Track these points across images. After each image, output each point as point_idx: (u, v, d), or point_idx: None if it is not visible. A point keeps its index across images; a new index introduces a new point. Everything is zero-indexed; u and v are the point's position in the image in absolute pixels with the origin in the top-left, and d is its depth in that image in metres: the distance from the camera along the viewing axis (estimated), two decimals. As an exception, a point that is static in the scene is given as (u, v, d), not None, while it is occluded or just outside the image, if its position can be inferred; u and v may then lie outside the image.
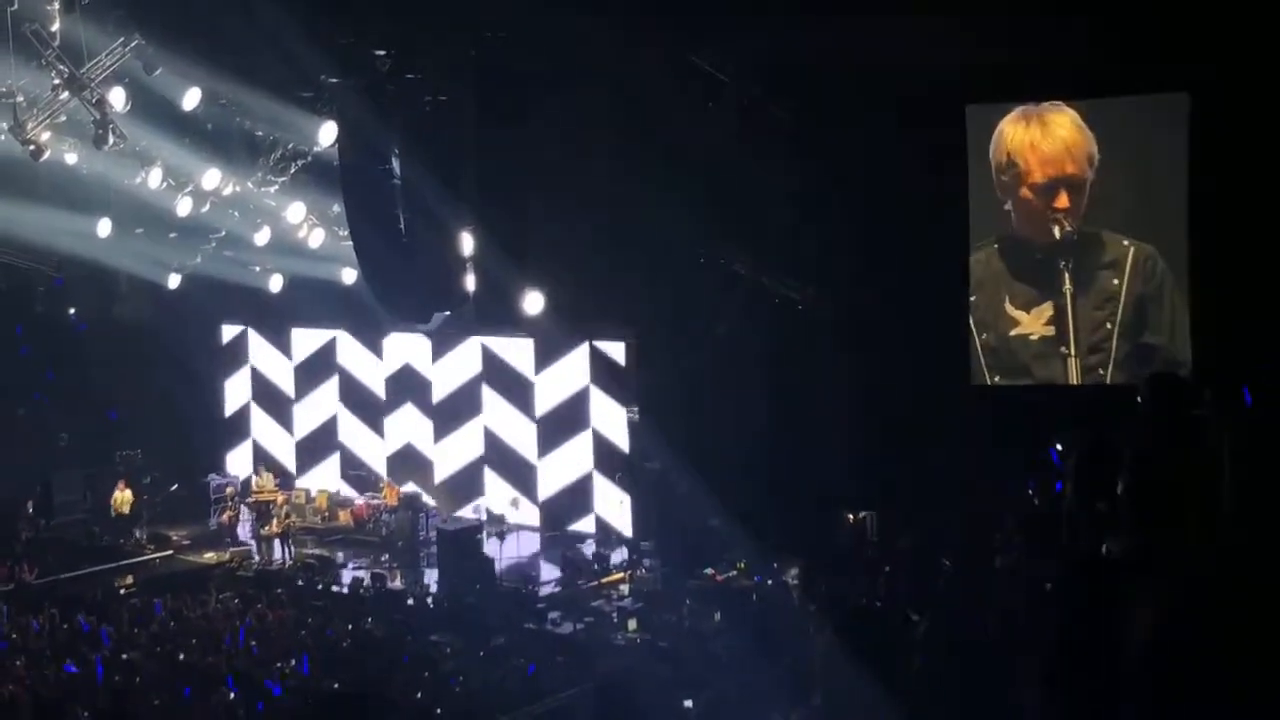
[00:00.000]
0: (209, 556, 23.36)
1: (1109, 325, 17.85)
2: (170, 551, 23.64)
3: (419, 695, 14.72)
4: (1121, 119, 18.38)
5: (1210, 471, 6.05)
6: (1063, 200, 18.11)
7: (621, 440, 23.24)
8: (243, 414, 28.79)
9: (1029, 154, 18.43)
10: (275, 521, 24.04)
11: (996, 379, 18.55)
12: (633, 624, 18.38)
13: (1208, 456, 6.18)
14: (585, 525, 23.82)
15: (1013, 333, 18.80)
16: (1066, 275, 17.98)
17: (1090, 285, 18.05)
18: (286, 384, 28.16)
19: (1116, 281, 17.70)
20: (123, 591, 20.93)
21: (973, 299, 19.04)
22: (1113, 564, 5.77)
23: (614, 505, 23.23)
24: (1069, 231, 18.09)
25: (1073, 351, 17.93)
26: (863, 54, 17.33)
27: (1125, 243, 17.74)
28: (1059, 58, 17.36)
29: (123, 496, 24.92)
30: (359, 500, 25.51)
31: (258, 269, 26.36)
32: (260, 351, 28.56)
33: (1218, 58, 16.46)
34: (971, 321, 18.96)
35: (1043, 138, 18.26)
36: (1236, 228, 17.04)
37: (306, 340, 27.83)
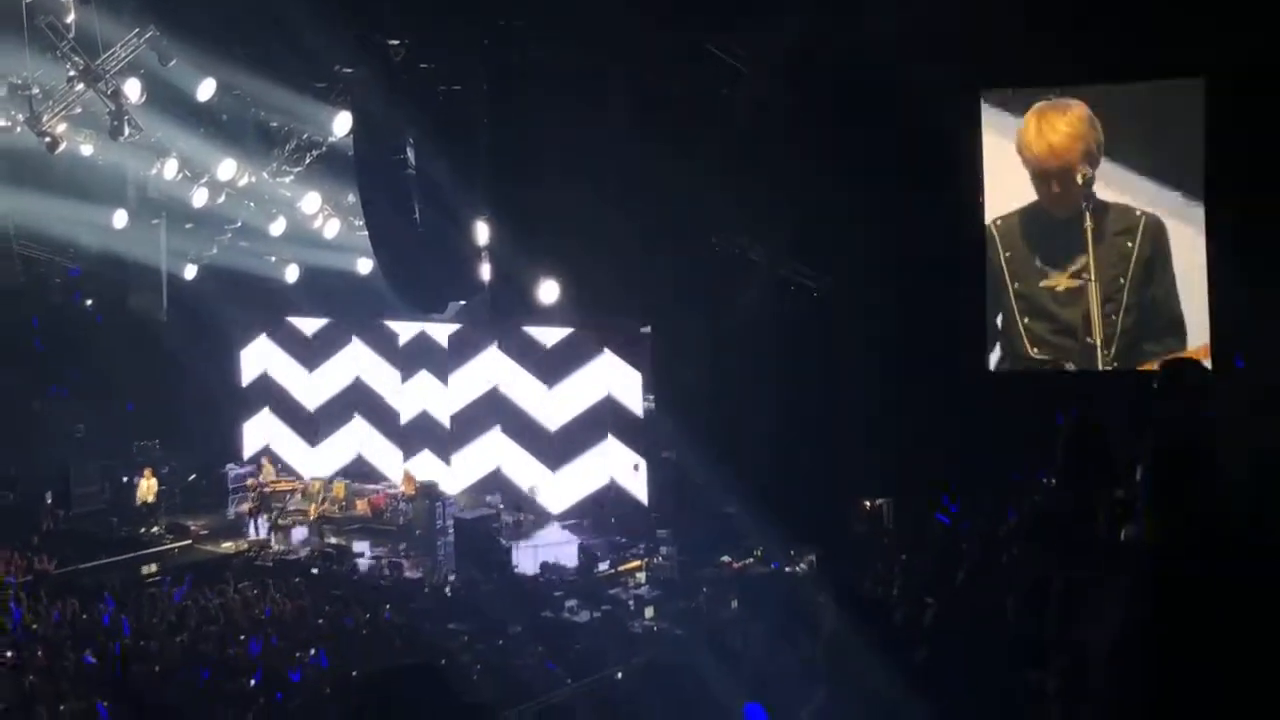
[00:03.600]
0: (227, 546, 23.47)
1: (1121, 280, 18.94)
2: (189, 541, 23.72)
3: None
4: (1137, 104, 18.57)
5: (1228, 458, 6.04)
6: (1080, 177, 19.01)
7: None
8: (260, 404, 28.85)
9: (1049, 139, 19.17)
10: (313, 507, 24.25)
11: (1026, 320, 19.55)
12: (650, 612, 18.42)
13: (1225, 442, 6.16)
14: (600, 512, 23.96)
15: (1042, 283, 19.56)
16: (1088, 237, 19.07)
17: (1107, 245, 19.04)
18: (302, 377, 28.23)
19: (1130, 244, 18.85)
20: (142, 581, 21.01)
21: (1006, 255, 19.71)
22: (1129, 552, 5.76)
23: (629, 472, 23.47)
24: (1088, 203, 19.05)
25: (1094, 296, 19.13)
26: (879, 41, 17.29)
27: (1138, 213, 18.78)
28: (1075, 44, 17.36)
29: (148, 485, 25.05)
30: (376, 490, 25.61)
31: (273, 259, 26.43)
32: (278, 340, 28.62)
33: (1234, 42, 16.43)
34: (1005, 272, 19.69)
35: (1059, 123, 19.06)
36: (1251, 210, 17.18)
37: (323, 330, 27.91)
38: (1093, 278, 19.05)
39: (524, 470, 25.03)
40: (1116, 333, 19.03)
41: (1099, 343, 19.05)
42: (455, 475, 25.78)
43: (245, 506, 25.29)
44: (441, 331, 26.10)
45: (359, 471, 27.17)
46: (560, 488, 24.59)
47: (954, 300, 19.64)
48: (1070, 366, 19.39)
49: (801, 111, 19.39)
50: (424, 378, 26.54)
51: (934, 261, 19.23)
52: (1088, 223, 19.04)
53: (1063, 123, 18.99)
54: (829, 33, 17.84)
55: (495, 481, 25.36)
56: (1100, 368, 19.10)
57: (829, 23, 17.68)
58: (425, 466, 26.12)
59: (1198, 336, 18.51)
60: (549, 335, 24.74)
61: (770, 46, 18.86)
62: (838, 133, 19.12)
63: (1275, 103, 16.66)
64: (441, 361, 26.23)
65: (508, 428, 25.32)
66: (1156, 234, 18.66)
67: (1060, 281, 19.36)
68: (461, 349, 25.95)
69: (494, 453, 25.54)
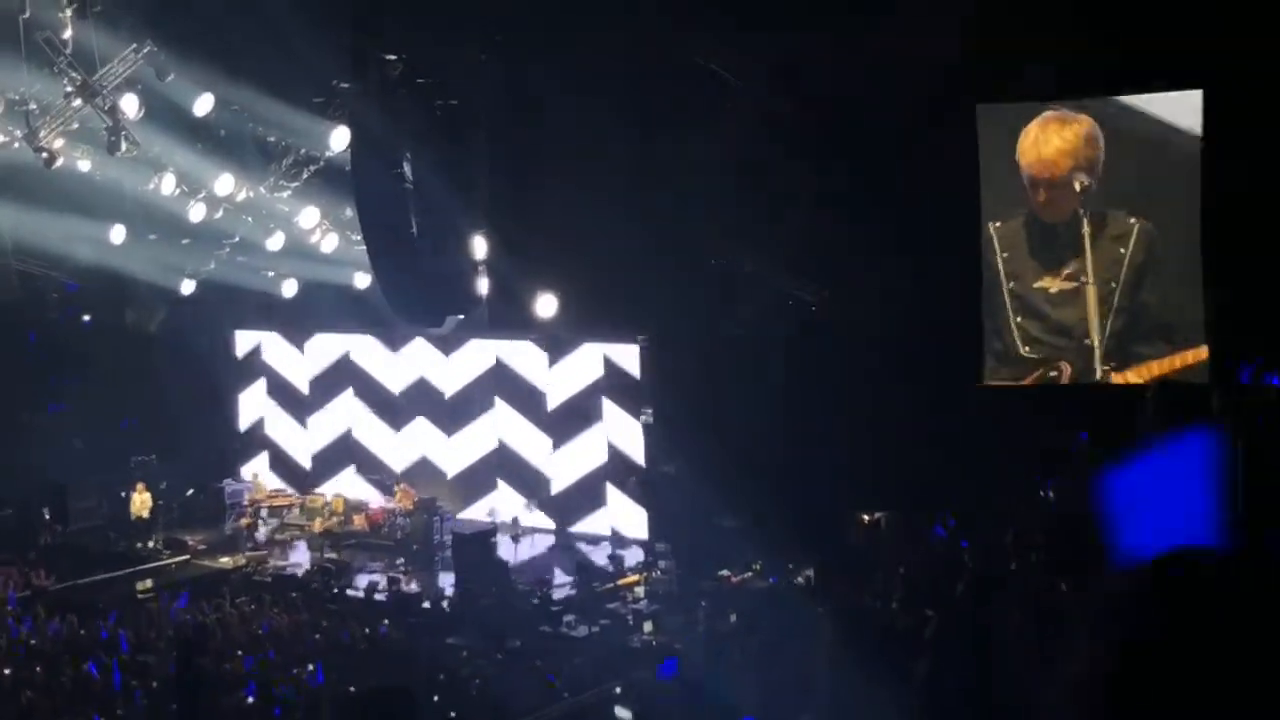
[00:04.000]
0: (225, 561, 23.42)
1: (1113, 285, 19.33)
2: (186, 556, 23.68)
3: (435, 699, 14.73)
4: (1135, 116, 18.68)
5: (1229, 470, 6.04)
6: (1076, 186, 19.34)
7: (634, 449, 23.32)
8: (257, 419, 28.82)
9: (1040, 151, 19.50)
10: (318, 522, 24.21)
11: (1019, 319, 19.93)
12: (648, 626, 18.39)
13: (1225, 455, 6.16)
14: (599, 527, 23.87)
15: (1035, 284, 19.93)
16: (1084, 242, 19.44)
17: (1101, 250, 19.37)
18: (302, 389, 28.19)
19: (1123, 250, 19.20)
20: (140, 596, 20.97)
21: (1004, 255, 20.03)
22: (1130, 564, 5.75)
23: (626, 509, 23.40)
24: (1085, 210, 19.39)
25: (1092, 300, 19.46)
26: (873, 54, 17.34)
27: (1131, 220, 19.11)
28: (1072, 59, 17.44)
29: (141, 500, 25.03)
30: (374, 504, 25.55)
31: (271, 274, 26.42)
32: (275, 357, 28.59)
33: (1232, 55, 16.50)
34: (1002, 273, 20.05)
35: (1055, 138, 19.39)
36: (1249, 222, 17.27)
37: (322, 345, 27.87)
38: (1091, 280, 19.28)
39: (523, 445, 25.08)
40: (1107, 335, 19.35)
41: (1096, 344, 19.25)
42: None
43: (243, 522, 25.23)
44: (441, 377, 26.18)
45: (362, 457, 27.16)
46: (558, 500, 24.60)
47: (952, 313, 19.68)
48: (1064, 365, 19.62)
49: (798, 125, 19.44)
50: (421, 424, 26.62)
51: (931, 275, 19.29)
52: (1084, 228, 19.30)
53: (1058, 137, 19.25)
54: (826, 46, 17.88)
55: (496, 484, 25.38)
56: (1096, 367, 19.31)
57: (826, 36, 17.71)
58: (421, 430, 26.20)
59: (1194, 343, 18.72)
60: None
61: (767, 60, 18.90)
62: (834, 146, 19.17)
63: (1272, 115, 16.72)
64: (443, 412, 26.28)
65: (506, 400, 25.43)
66: (1149, 241, 18.94)
67: (1054, 283, 19.66)
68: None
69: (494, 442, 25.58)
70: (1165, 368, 18.78)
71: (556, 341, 24.07)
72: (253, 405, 28.90)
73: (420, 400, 26.38)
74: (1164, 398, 7.01)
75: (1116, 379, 19.26)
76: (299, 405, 28.23)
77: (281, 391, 28.46)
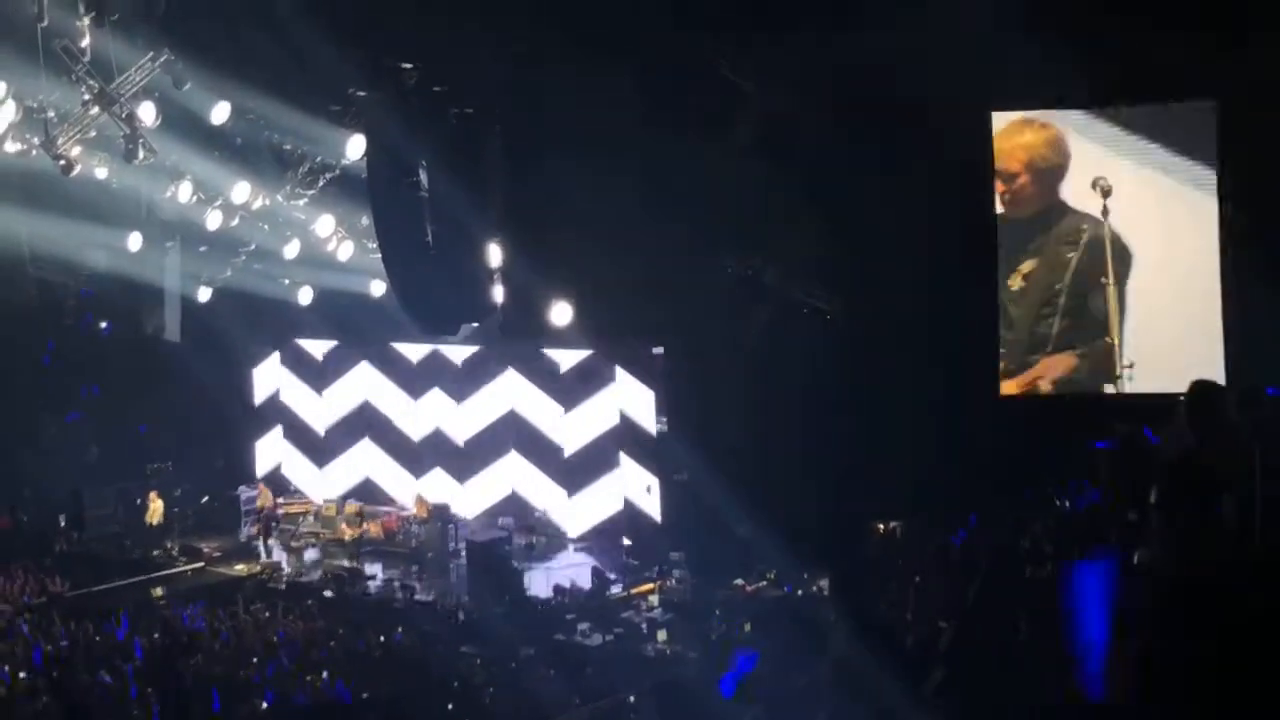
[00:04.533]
0: (240, 568, 23.46)
1: (1058, 286, 19.39)
2: (201, 563, 23.73)
3: (450, 707, 14.74)
4: (1149, 125, 18.57)
5: (1244, 480, 6.01)
6: (1033, 189, 19.47)
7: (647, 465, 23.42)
8: (272, 426, 28.87)
9: (999, 144, 19.63)
10: (344, 529, 24.31)
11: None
12: (662, 635, 18.37)
13: (1242, 465, 6.13)
14: (614, 536, 23.88)
15: (1004, 281, 19.89)
16: (1039, 243, 19.53)
17: (1051, 252, 19.44)
18: (315, 398, 28.24)
19: (1070, 255, 19.28)
20: (158, 603, 21.02)
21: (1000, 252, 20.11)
22: (1146, 574, 5.73)
23: (642, 492, 23.50)
24: (1049, 212, 19.42)
25: (1112, 299, 19.23)
26: (889, 63, 17.31)
27: (1084, 226, 19.13)
28: (1087, 67, 17.41)
29: (155, 507, 25.09)
30: (389, 512, 25.63)
31: (287, 282, 26.47)
32: (290, 363, 28.64)
33: (1246, 65, 16.46)
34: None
35: (1016, 134, 19.53)
36: (1266, 227, 17.20)
37: (335, 353, 27.94)
38: (1111, 282, 19.03)
39: (538, 494, 25.02)
40: (1052, 334, 19.37)
41: (1117, 343, 18.98)
42: (470, 499, 25.75)
43: (256, 528, 25.31)
44: (454, 351, 26.12)
45: (364, 490, 27.17)
46: (576, 511, 24.55)
47: (966, 323, 19.61)
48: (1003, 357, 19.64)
49: (814, 133, 19.41)
50: (436, 395, 26.56)
51: (947, 284, 19.23)
52: (1041, 229, 19.34)
53: (1018, 134, 19.37)
54: (842, 54, 17.86)
55: (509, 505, 25.32)
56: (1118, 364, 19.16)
57: (842, 44, 17.69)
58: (437, 486, 26.10)
59: (1199, 351, 18.31)
60: (565, 359, 24.75)
61: (782, 67, 18.88)
62: (850, 155, 19.13)
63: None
64: (454, 379, 26.27)
65: (523, 451, 25.35)
66: (1097, 248, 18.93)
67: (1015, 281, 19.65)
68: (477, 373, 26.00)
69: (509, 476, 25.52)
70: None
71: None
72: (266, 408, 28.97)
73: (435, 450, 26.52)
74: (1195, 403, 6.95)
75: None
76: (313, 417, 28.28)
77: (294, 398, 28.53)
